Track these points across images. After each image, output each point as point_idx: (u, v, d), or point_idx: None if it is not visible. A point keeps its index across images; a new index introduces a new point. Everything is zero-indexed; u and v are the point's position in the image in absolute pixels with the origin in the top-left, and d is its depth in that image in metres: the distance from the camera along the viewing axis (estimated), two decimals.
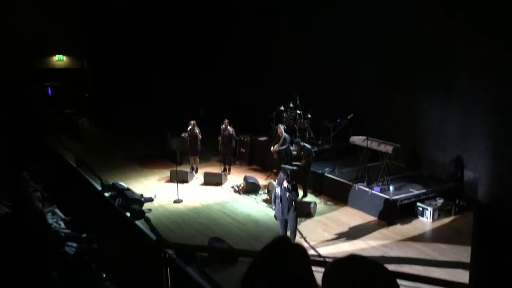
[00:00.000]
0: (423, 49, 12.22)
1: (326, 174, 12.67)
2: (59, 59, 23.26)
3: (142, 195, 12.15)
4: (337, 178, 12.35)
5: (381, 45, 13.08)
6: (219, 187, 13.28)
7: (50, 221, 11.28)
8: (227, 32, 19.08)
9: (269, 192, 12.21)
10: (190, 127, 13.83)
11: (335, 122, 13.93)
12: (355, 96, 13.98)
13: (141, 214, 11.14)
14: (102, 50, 20.56)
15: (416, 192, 11.24)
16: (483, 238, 4.70)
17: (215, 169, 14.29)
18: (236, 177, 13.91)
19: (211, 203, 12.10)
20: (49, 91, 22.10)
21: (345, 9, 14.13)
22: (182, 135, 14.04)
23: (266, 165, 14.60)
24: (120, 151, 16.67)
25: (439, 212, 10.87)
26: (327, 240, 9.87)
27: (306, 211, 10.91)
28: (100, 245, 8.53)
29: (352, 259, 1.61)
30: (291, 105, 14.67)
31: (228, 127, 13.96)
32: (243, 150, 15.71)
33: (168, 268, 5.08)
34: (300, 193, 11.35)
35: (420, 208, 10.93)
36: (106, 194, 12.50)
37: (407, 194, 11.09)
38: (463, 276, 6.73)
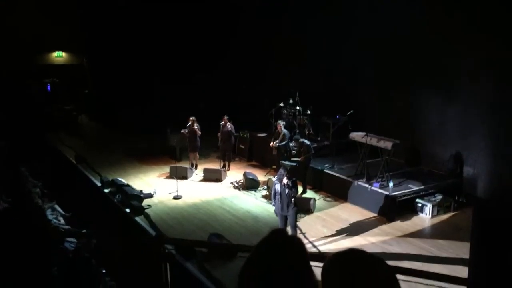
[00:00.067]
0: (423, 49, 12.22)
1: (325, 170, 12.67)
2: (58, 55, 23.22)
3: (141, 191, 12.15)
4: (337, 174, 12.35)
5: (381, 45, 13.07)
6: (219, 183, 13.29)
7: (50, 217, 11.28)
8: (227, 32, 19.05)
9: (268, 188, 12.22)
10: (189, 123, 13.83)
11: (335, 119, 13.92)
12: (355, 96, 13.96)
13: (140, 210, 11.14)
14: (102, 48, 20.51)
15: (416, 188, 11.26)
16: (482, 234, 4.70)
17: (215, 165, 14.30)
18: (235, 173, 13.92)
19: (211, 199, 12.11)
20: (49, 88, 22.05)
21: (345, 9, 14.11)
22: (182, 131, 14.04)
23: (266, 161, 14.61)
24: (119, 148, 16.65)
25: (438, 208, 10.88)
26: (327, 236, 9.88)
27: (305, 207, 10.92)
28: (100, 241, 8.54)
29: (352, 253, 1.61)
30: (291, 101, 14.66)
31: (228, 123, 13.96)
32: (243, 147, 15.71)
33: (168, 264, 5.09)
34: (300, 189, 11.35)
35: (420, 204, 10.95)
36: (106, 190, 12.50)
37: (406, 190, 11.11)
38: (462, 271, 6.75)
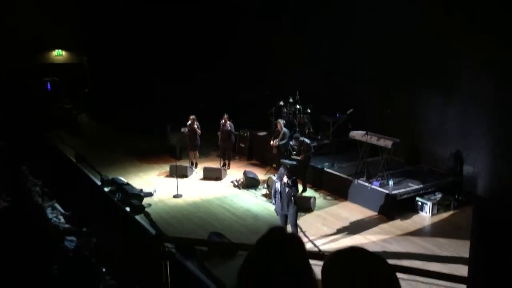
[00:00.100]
0: (423, 49, 12.21)
1: (325, 169, 12.67)
2: (58, 54, 23.20)
3: (141, 190, 12.16)
4: (337, 173, 12.36)
5: (381, 45, 13.06)
6: (219, 182, 13.29)
7: (50, 215, 11.28)
8: (227, 32, 19.03)
9: (268, 187, 12.22)
10: (189, 122, 13.83)
11: (335, 117, 13.93)
12: (355, 96, 13.96)
13: (140, 209, 11.15)
14: (102, 47, 20.49)
15: (416, 186, 11.26)
16: (482, 233, 4.70)
17: (215, 164, 14.30)
18: (235, 172, 13.92)
19: (211, 198, 12.11)
20: (49, 86, 22.04)
21: (345, 9, 14.10)
22: (182, 130, 14.05)
23: (266, 160, 14.61)
24: (119, 147, 16.65)
25: (438, 207, 10.89)
26: (327, 235, 9.88)
27: (305, 206, 10.93)
28: (100, 239, 8.55)
29: (352, 251, 1.61)
30: (291, 100, 14.66)
31: (228, 122, 13.96)
32: (243, 145, 15.71)
33: (168, 262, 5.09)
34: (300, 187, 11.35)
35: (420, 203, 10.95)
36: (106, 189, 12.51)
37: (406, 189, 11.11)
38: (462, 270, 6.75)
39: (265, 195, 12.11)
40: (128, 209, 11.16)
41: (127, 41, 19.60)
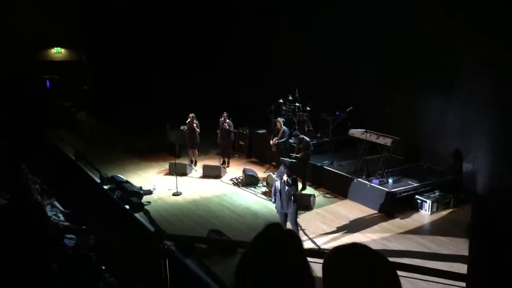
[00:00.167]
0: (423, 49, 12.21)
1: (325, 166, 12.68)
2: (58, 52, 23.15)
3: (141, 187, 12.16)
4: (336, 171, 12.36)
5: (381, 45, 13.06)
6: (218, 179, 13.29)
7: (49, 213, 11.27)
8: (227, 32, 19.01)
9: (268, 185, 12.23)
10: (188, 119, 13.83)
11: (334, 115, 13.92)
12: (355, 95, 13.95)
13: (140, 207, 11.15)
14: (102, 47, 20.43)
15: (415, 184, 11.27)
16: (481, 231, 4.71)
17: (214, 162, 14.31)
18: (235, 170, 13.92)
19: (210, 196, 12.12)
20: (48, 84, 22.00)
21: (345, 9, 14.08)
22: (181, 127, 14.06)
23: (265, 158, 14.61)
24: (119, 145, 16.64)
25: (438, 205, 10.90)
26: (326, 233, 9.89)
27: (305, 204, 10.93)
28: (99, 237, 8.54)
29: (353, 248, 1.60)
30: (290, 98, 14.66)
31: (227, 120, 13.96)
32: (242, 143, 15.72)
33: (167, 260, 5.09)
34: (299, 185, 11.36)
35: (419, 201, 10.96)
36: (105, 187, 12.51)
37: (406, 187, 11.12)
38: (461, 268, 6.76)
39: (264, 193, 12.12)
40: (127, 207, 11.16)
41: (127, 40, 19.55)
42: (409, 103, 12.82)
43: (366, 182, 11.34)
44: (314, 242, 9.40)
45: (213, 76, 19.14)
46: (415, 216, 10.72)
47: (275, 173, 11.59)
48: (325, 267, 1.59)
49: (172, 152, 14.61)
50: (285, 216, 9.04)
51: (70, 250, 7.83)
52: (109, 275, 8.12)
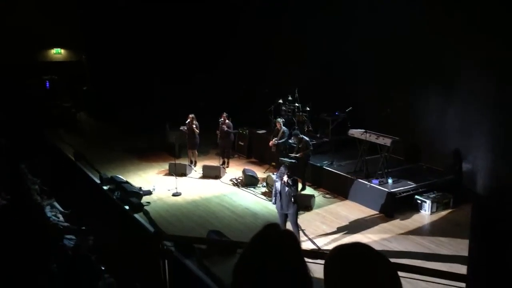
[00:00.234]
0: (423, 49, 12.20)
1: (324, 167, 12.68)
2: (57, 52, 23.16)
3: (140, 188, 12.16)
4: (336, 171, 12.36)
5: (381, 45, 13.04)
6: (218, 180, 13.29)
7: (49, 214, 11.26)
8: (227, 32, 19.00)
9: (267, 185, 12.23)
10: (188, 120, 13.83)
11: (334, 115, 13.92)
12: (355, 95, 13.94)
13: (139, 207, 11.14)
14: (102, 47, 20.43)
15: (415, 184, 11.27)
16: (481, 231, 4.71)
17: (214, 162, 14.30)
18: (234, 170, 13.92)
19: (210, 196, 12.12)
20: (47, 85, 22.01)
21: (345, 9, 14.06)
22: (181, 128, 14.06)
23: (265, 158, 14.61)
24: (119, 145, 16.64)
25: (438, 205, 10.90)
26: (326, 233, 9.89)
27: (304, 204, 10.92)
28: (98, 238, 8.53)
29: (355, 248, 1.61)
30: (290, 98, 14.66)
31: (226, 121, 13.96)
32: (242, 143, 15.72)
33: (166, 261, 5.09)
34: (299, 186, 11.34)
35: (419, 201, 10.96)
36: (105, 187, 12.50)
37: (405, 187, 11.12)
38: (461, 268, 6.76)
39: (264, 193, 12.12)
40: (127, 207, 11.15)
41: (127, 40, 19.54)
42: (409, 103, 12.81)
43: (366, 182, 11.34)
44: (314, 243, 9.39)
45: (213, 76, 19.14)
46: (414, 216, 10.72)
47: (275, 173, 11.59)
48: (326, 267, 1.59)
49: (172, 152, 14.61)
50: (285, 217, 8.99)
51: (70, 250, 7.83)
52: (109, 276, 8.11)
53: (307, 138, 12.35)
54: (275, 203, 9.12)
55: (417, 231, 9.98)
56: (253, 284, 1.56)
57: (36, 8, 20.83)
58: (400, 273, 1.61)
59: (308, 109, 14.35)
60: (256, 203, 11.61)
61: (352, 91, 14.06)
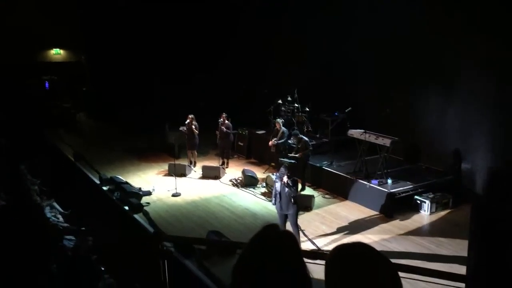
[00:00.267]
0: (423, 49, 12.21)
1: (324, 167, 12.68)
2: (57, 53, 23.15)
3: (140, 188, 12.15)
4: (335, 172, 12.36)
5: (381, 45, 13.05)
6: (217, 180, 13.29)
7: (49, 214, 11.25)
8: (227, 32, 19.01)
9: (267, 186, 12.23)
10: (188, 120, 13.83)
11: (333, 115, 13.93)
12: (355, 95, 13.94)
13: (139, 208, 11.14)
14: (102, 47, 20.44)
15: (414, 185, 11.27)
16: (480, 231, 4.71)
17: (213, 163, 14.31)
18: (234, 171, 13.93)
19: (209, 197, 12.11)
20: (47, 85, 22.00)
21: (345, 9, 14.08)
22: (180, 128, 14.06)
23: (264, 158, 14.61)
24: (118, 146, 16.64)
25: (437, 205, 10.90)
26: (326, 234, 9.88)
27: (304, 205, 10.92)
28: (98, 238, 8.54)
29: (355, 247, 1.61)
30: (289, 98, 14.66)
31: (226, 121, 13.96)
32: (241, 144, 15.72)
33: (166, 261, 5.09)
34: (299, 186, 11.34)
35: (418, 201, 10.96)
36: (104, 188, 12.50)
37: (405, 187, 11.12)
38: (461, 268, 6.76)
39: (264, 194, 12.12)
40: (126, 208, 11.15)
41: (127, 40, 19.55)
42: (409, 103, 12.82)
43: (365, 182, 11.34)
44: (313, 243, 9.39)
45: (213, 76, 19.14)
46: (414, 216, 10.72)
47: (275, 174, 11.59)
48: (327, 267, 1.60)
49: (172, 153, 14.62)
50: (284, 218, 8.95)
51: (69, 251, 7.83)
52: (109, 276, 8.11)
53: (306, 138, 12.36)
54: (275, 204, 9.10)
55: (416, 232, 9.98)
56: (252, 285, 1.57)
57: (36, 8, 20.82)
58: (399, 273, 1.61)
59: (307, 109, 14.36)
60: (256, 204, 11.61)
61: (352, 91, 14.06)
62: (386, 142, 11.08)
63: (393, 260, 1.62)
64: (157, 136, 16.30)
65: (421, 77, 12.50)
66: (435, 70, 12.13)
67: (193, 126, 13.79)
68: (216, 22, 18.98)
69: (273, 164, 13.69)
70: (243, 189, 12.59)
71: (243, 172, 13.06)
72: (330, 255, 1.62)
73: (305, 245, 9.16)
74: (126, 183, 12.23)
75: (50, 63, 22.70)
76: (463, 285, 4.72)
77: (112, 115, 19.49)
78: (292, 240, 1.67)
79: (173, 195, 12.13)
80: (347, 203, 11.61)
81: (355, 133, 11.91)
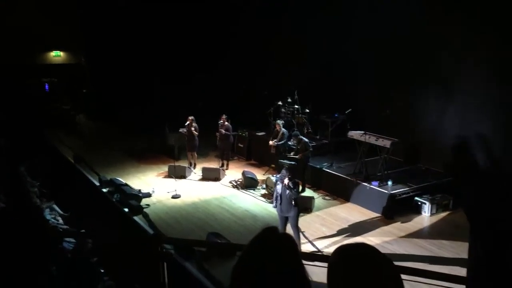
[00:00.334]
0: (423, 49, 12.20)
1: (324, 168, 12.66)
2: (56, 55, 23.16)
3: (140, 190, 12.13)
4: (335, 173, 12.34)
5: (381, 45, 13.06)
6: (217, 182, 13.27)
7: (48, 217, 11.23)
8: (227, 32, 19.01)
9: (267, 187, 12.22)
10: (187, 122, 13.82)
11: (333, 117, 13.92)
12: (355, 96, 13.95)
13: (139, 210, 11.12)
14: (102, 48, 20.45)
15: (414, 186, 11.25)
16: (480, 231, 4.69)
17: (213, 165, 14.29)
18: (234, 172, 13.91)
19: (209, 198, 12.10)
20: (47, 87, 22.01)
21: (345, 9, 14.08)
22: (180, 130, 14.06)
23: (264, 160, 14.60)
24: (118, 147, 16.62)
25: (437, 206, 10.88)
26: (326, 236, 9.86)
27: (304, 206, 10.89)
28: (98, 240, 8.52)
29: (359, 248, 1.61)
30: (289, 100, 14.66)
31: (226, 123, 13.96)
32: (241, 145, 15.70)
33: (166, 263, 5.07)
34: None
35: (418, 202, 10.94)
36: (104, 190, 12.47)
37: (405, 189, 11.10)
38: (462, 270, 6.74)
39: (264, 195, 12.10)
40: (126, 209, 11.12)
41: (127, 41, 19.56)
42: (409, 103, 12.81)
43: (365, 184, 11.33)
44: (314, 245, 9.37)
45: (213, 76, 19.14)
46: (414, 218, 10.71)
47: (275, 175, 11.57)
48: (329, 267, 1.59)
49: (171, 154, 14.60)
50: (285, 220, 8.88)
51: (69, 253, 7.82)
52: (108, 278, 8.09)
53: (306, 139, 12.35)
54: (275, 206, 9.05)
55: (417, 233, 9.96)
56: (251, 287, 1.56)
57: (35, 9, 20.82)
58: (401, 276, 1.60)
59: (307, 111, 14.36)
60: (256, 205, 11.59)
61: (352, 91, 14.06)
62: (386, 143, 11.07)
63: (394, 263, 1.61)
64: (157, 137, 16.29)
65: (421, 77, 12.50)
66: (435, 70, 12.13)
67: (193, 128, 13.78)
68: (216, 22, 19.00)
69: (273, 165, 13.68)
70: (243, 190, 12.58)
71: (243, 173, 13.04)
72: (333, 255, 1.62)
73: (305, 247, 9.14)
74: (126, 185, 12.21)
75: (50, 65, 22.72)
76: (464, 287, 4.71)
77: (112, 116, 19.49)
78: (291, 242, 1.67)
79: (173, 197, 12.11)
80: (347, 204, 11.59)
81: (355, 134, 11.90)
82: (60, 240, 8.84)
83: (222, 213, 11.17)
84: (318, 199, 11.82)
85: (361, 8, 13.68)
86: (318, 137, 14.35)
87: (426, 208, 10.78)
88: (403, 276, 1.60)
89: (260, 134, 15.34)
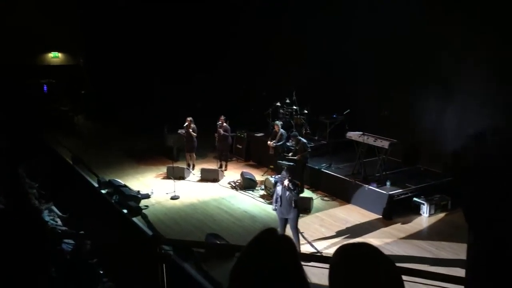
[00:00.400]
0: (423, 49, 12.22)
1: (322, 169, 12.66)
2: (55, 56, 23.14)
3: (139, 191, 12.12)
4: (334, 174, 12.34)
5: (381, 45, 13.07)
6: (216, 183, 13.26)
7: (47, 218, 11.22)
8: (227, 32, 19.02)
9: (266, 188, 12.21)
10: (186, 123, 13.82)
11: (332, 118, 13.92)
12: (355, 96, 13.96)
13: (138, 211, 11.11)
14: (102, 48, 20.44)
15: (413, 187, 11.25)
16: (480, 231, 4.68)
17: (212, 166, 14.27)
18: (233, 173, 13.90)
19: (208, 199, 12.09)
20: (45, 88, 21.99)
21: (345, 9, 14.09)
22: (179, 131, 14.05)
23: (263, 161, 14.59)
24: (117, 148, 16.61)
25: (436, 207, 10.89)
26: (325, 236, 9.86)
27: (303, 207, 10.88)
28: (97, 242, 8.51)
29: (360, 247, 1.61)
30: (288, 100, 14.66)
31: (224, 124, 13.96)
32: (240, 146, 15.69)
33: (164, 264, 5.07)
34: None
35: (417, 203, 10.94)
36: (103, 191, 12.46)
37: (403, 189, 11.10)
38: (461, 271, 6.74)
39: (262, 196, 12.09)
40: (125, 211, 11.12)
41: (127, 41, 19.56)
42: (409, 103, 12.82)
43: (364, 185, 11.33)
44: (313, 246, 9.37)
45: (213, 76, 19.14)
46: (413, 218, 10.71)
47: (273, 176, 11.58)
48: (331, 266, 1.60)
49: (170, 156, 14.59)
50: (285, 222, 8.84)
51: (68, 255, 7.81)
52: (107, 280, 8.09)
53: (304, 140, 12.36)
54: (275, 209, 9.00)
55: (416, 234, 9.96)
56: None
57: (35, 9, 20.80)
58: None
59: (306, 111, 14.36)
60: (255, 206, 11.59)
61: (352, 92, 14.07)
62: (385, 144, 11.08)
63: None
64: (156, 138, 16.27)
65: (421, 77, 12.51)
66: (435, 70, 12.14)
67: (191, 129, 13.77)
68: (216, 22, 18.99)
69: (271, 166, 13.68)
70: (241, 191, 12.57)
71: (242, 174, 13.04)
72: (334, 255, 1.62)
73: (305, 248, 9.14)
74: (125, 186, 12.20)
75: (48, 67, 22.69)
76: (462, 287, 4.70)
77: (112, 115, 19.48)
78: (290, 243, 1.67)
79: (172, 198, 12.10)
80: (346, 205, 11.59)
81: (353, 135, 11.91)
82: (59, 241, 8.82)
83: (220, 214, 11.16)
84: (317, 200, 11.82)
85: (361, 8, 13.70)
86: (316, 138, 14.36)
87: (425, 208, 10.79)
88: (403, 277, 1.60)
89: (258, 135, 15.34)
